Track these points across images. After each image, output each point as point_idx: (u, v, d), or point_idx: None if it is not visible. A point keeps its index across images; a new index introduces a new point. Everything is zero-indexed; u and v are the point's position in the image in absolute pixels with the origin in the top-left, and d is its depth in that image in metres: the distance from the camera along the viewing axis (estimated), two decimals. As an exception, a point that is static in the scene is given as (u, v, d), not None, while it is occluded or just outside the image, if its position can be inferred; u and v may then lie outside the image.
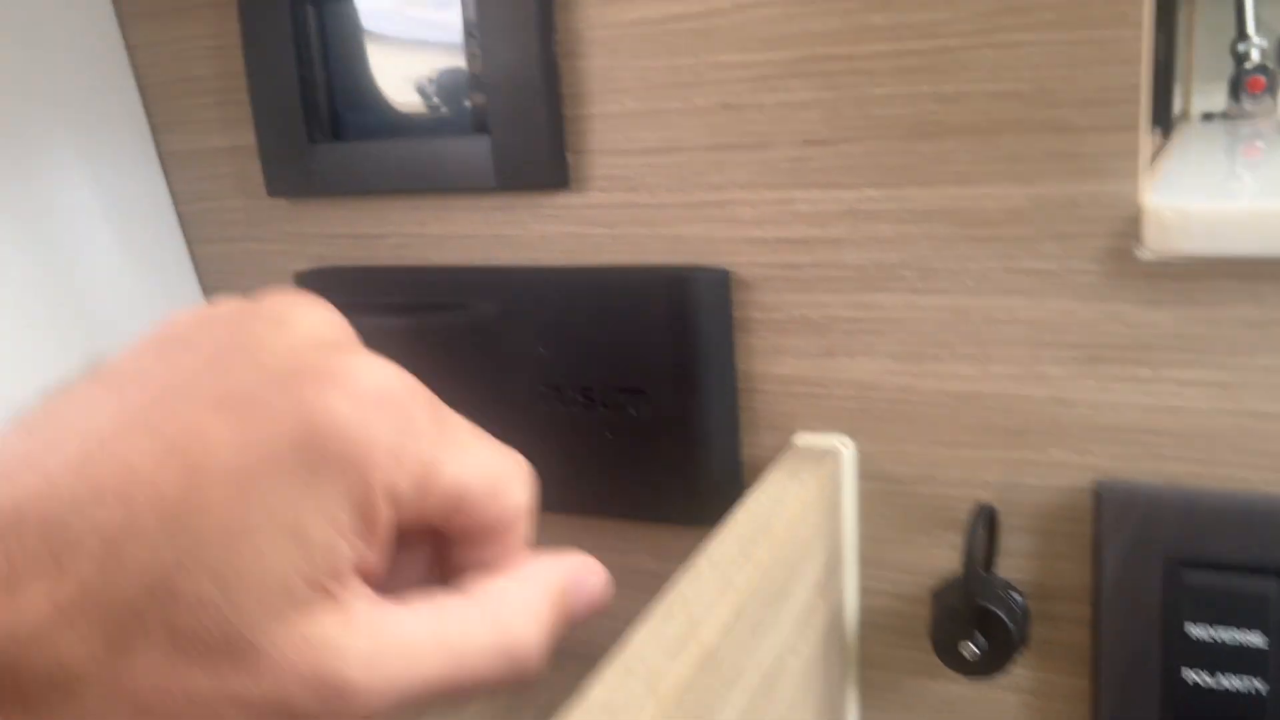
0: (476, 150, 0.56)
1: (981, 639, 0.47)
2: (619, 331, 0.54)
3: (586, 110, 0.53)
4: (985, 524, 0.49)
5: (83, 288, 0.64)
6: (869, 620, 0.54)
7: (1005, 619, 0.47)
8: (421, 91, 0.57)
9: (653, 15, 0.50)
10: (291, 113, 0.60)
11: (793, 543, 0.44)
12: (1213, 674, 0.45)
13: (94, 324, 0.64)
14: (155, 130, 0.68)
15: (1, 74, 0.60)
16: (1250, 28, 0.92)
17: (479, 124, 0.56)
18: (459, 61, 0.56)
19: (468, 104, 0.56)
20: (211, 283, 0.70)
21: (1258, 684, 0.44)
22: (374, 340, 0.27)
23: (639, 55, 0.51)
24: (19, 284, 0.60)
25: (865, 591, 0.54)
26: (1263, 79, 0.91)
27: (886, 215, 0.48)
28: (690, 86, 0.50)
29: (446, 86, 0.57)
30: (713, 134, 0.51)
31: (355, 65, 0.59)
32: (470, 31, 0.55)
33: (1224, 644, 0.44)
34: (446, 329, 0.59)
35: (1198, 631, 0.45)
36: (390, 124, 0.59)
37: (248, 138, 0.64)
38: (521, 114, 0.54)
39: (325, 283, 0.63)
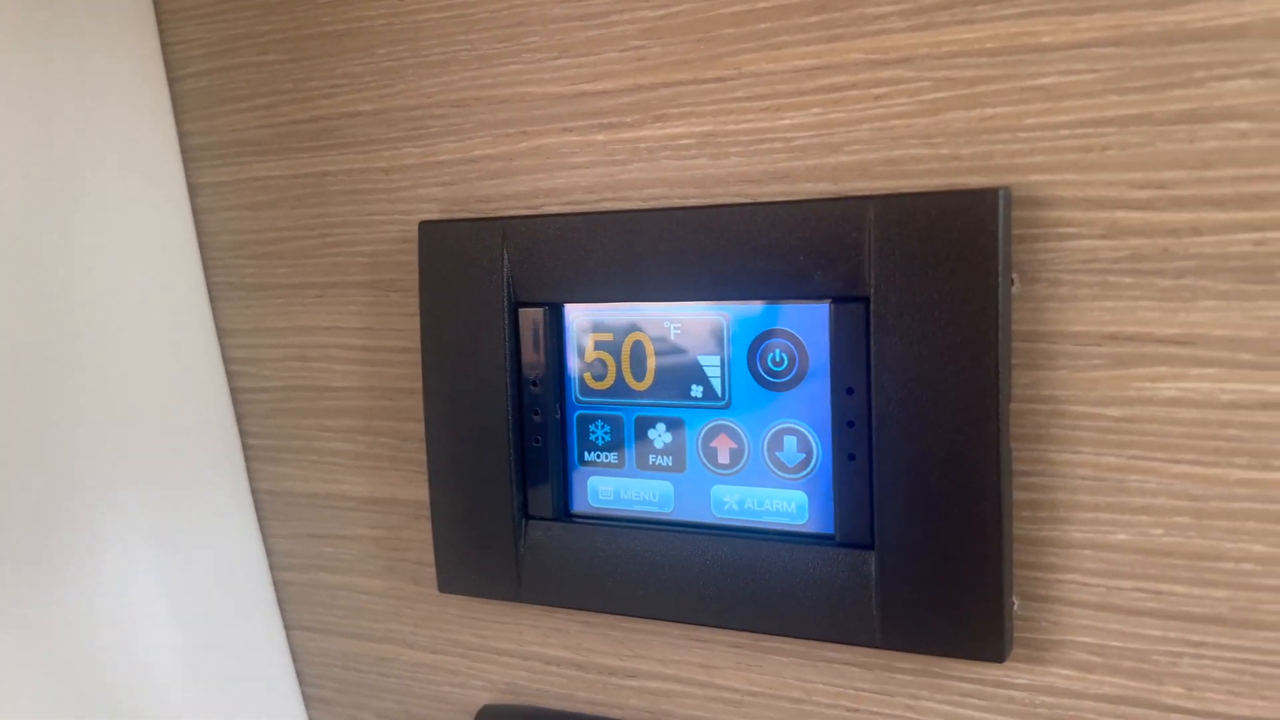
0: (842, 574, 0.33)
1: None
2: None
3: (1060, 531, 0.31)
4: None
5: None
6: None
7: None
8: (735, 456, 0.35)
9: (1217, 395, 0.28)
10: (493, 466, 0.37)
11: None
12: None
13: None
14: (250, 459, 0.44)
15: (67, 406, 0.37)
16: None
17: (851, 534, 0.33)
18: (814, 428, 0.33)
19: (831, 503, 0.33)
20: (320, 691, 0.46)
21: None
22: None
23: (1179, 455, 0.29)
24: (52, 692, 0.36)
25: None
26: None
27: None
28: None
29: (782, 459, 0.34)
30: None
31: (604, 401, 0.37)
32: (846, 383, 0.32)
33: None
34: None
35: None
36: (659, 504, 0.36)
37: (400, 490, 0.41)
38: (932, 528, 0.31)
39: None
